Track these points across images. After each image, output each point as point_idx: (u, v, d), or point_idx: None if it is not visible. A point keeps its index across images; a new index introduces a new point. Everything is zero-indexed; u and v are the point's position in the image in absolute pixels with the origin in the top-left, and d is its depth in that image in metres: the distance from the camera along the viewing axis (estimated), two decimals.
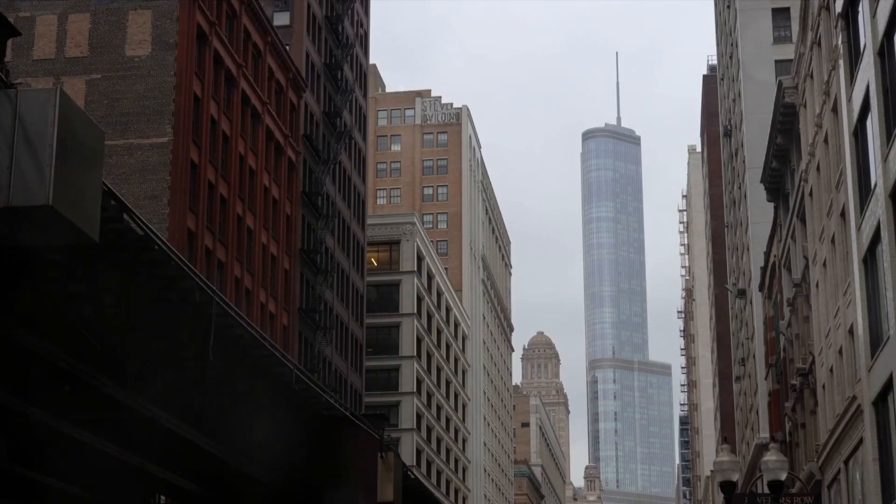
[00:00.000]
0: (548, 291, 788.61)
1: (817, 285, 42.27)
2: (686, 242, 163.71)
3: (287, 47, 69.29)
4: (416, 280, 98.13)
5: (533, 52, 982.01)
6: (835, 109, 37.23)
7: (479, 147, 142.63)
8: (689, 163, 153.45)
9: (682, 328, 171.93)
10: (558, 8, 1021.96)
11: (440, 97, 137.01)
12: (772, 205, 58.27)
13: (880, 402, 31.31)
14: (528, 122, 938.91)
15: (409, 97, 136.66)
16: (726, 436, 76.66)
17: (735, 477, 30.18)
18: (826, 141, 39.07)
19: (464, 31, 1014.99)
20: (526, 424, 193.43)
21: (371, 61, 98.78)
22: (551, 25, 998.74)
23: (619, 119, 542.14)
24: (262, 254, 63.12)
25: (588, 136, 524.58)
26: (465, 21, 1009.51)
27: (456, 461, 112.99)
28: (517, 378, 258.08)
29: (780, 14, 72.16)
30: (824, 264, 40.14)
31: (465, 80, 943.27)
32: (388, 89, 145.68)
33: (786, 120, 48.51)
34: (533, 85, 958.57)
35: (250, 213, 61.46)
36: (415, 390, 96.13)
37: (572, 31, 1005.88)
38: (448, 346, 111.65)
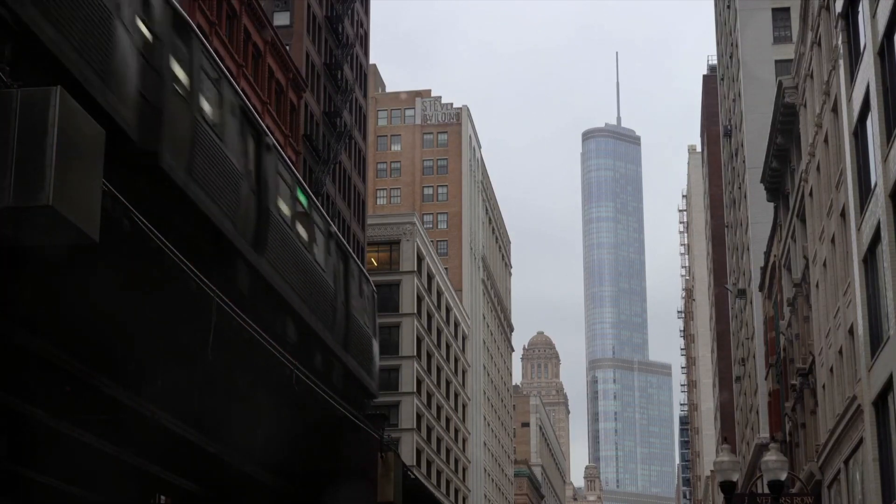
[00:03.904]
0: (548, 291, 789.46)
1: (817, 285, 42.28)
2: (686, 242, 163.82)
3: (287, 47, 69.30)
4: (416, 280, 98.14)
5: (536, 49, 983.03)
6: (835, 109, 37.24)
7: (479, 147, 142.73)
8: (689, 163, 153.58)
9: (682, 328, 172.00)
10: (561, 6, 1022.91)
11: (440, 97, 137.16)
12: (772, 205, 58.29)
13: (880, 402, 31.33)
14: (531, 118, 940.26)
15: (409, 97, 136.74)
16: (726, 436, 76.68)
17: (735, 477, 30.19)
18: (826, 141, 39.08)
19: (469, 27, 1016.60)
20: (526, 424, 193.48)
21: (372, 60, 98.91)
22: (554, 23, 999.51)
23: (619, 119, 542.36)
24: None
25: (588, 135, 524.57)
26: (471, 16, 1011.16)
27: (456, 461, 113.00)
28: (517, 378, 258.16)
29: (780, 14, 72.22)
30: (824, 264, 40.16)
31: (470, 76, 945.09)
32: (394, 83, 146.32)
33: (786, 120, 48.53)
34: (536, 82, 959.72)
35: None
36: (415, 390, 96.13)
37: (574, 29, 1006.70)
38: (448, 346, 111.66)
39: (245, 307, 20.21)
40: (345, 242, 28.19)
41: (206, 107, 19.07)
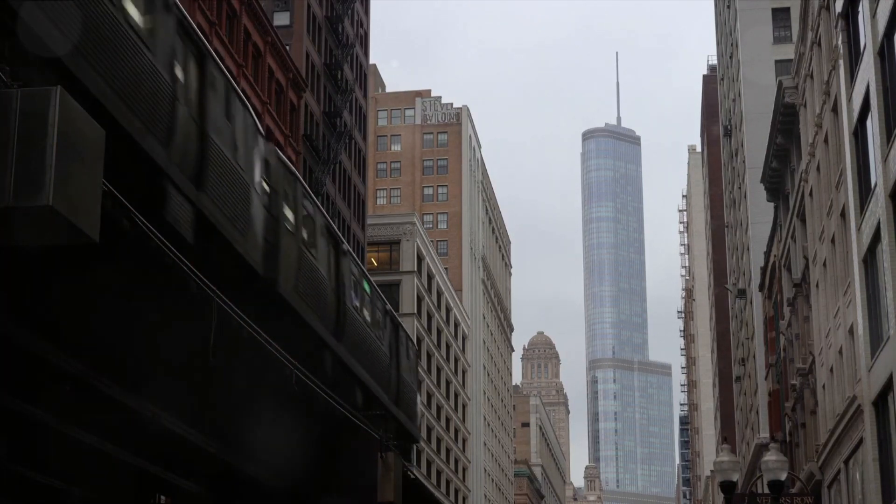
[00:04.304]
0: (548, 291, 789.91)
1: (817, 285, 42.27)
2: (686, 242, 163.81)
3: (287, 47, 69.27)
4: (416, 280, 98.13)
5: (536, 49, 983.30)
6: (835, 109, 37.24)
7: (479, 147, 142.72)
8: (689, 163, 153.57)
9: (682, 328, 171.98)
10: (561, 6, 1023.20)
11: (440, 97, 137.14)
12: (772, 205, 58.29)
13: (880, 402, 31.33)
14: (531, 117, 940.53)
15: (409, 97, 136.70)
16: (726, 436, 76.69)
17: (735, 477, 30.20)
18: (826, 141, 39.08)
19: (469, 26, 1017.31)
20: (526, 424, 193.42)
21: (373, 60, 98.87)
22: (554, 23, 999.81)
23: (619, 119, 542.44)
24: None
25: (588, 136, 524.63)
26: (471, 16, 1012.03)
27: (456, 461, 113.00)
28: (517, 378, 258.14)
29: (780, 14, 72.20)
30: (824, 264, 40.16)
31: (470, 75, 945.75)
32: (394, 83, 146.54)
33: (786, 120, 48.53)
34: (536, 81, 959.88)
35: None
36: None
37: (575, 29, 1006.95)
38: (448, 346, 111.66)
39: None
40: (396, 316, 34.55)
41: (306, 236, 24.76)
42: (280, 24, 71.15)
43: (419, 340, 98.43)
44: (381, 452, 28.98)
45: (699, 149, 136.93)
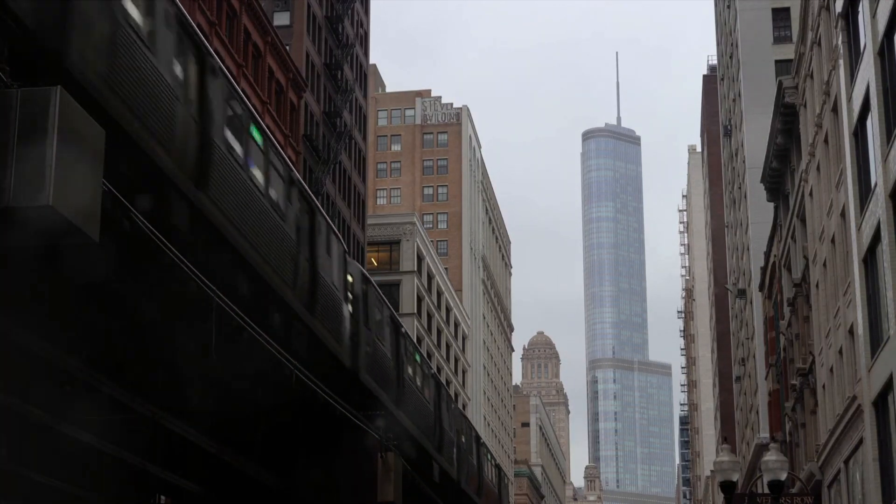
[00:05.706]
0: (548, 291, 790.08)
1: (817, 285, 42.27)
2: (686, 242, 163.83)
3: (287, 47, 69.26)
4: (416, 280, 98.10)
5: (537, 48, 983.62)
6: (835, 109, 37.24)
7: (479, 147, 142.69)
8: (689, 163, 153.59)
9: (682, 328, 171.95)
10: (561, 6, 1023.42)
11: (440, 97, 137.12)
12: (772, 205, 58.27)
13: (880, 402, 31.33)
14: (531, 117, 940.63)
15: (409, 97, 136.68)
16: (726, 436, 76.67)
17: (735, 477, 30.20)
18: (826, 141, 39.08)
19: (469, 25, 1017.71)
20: (526, 424, 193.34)
21: (374, 59, 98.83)
22: (554, 23, 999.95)
23: (619, 119, 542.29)
24: None
25: (588, 135, 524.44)
26: (472, 15, 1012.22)
27: None
28: (517, 378, 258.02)
29: (780, 14, 72.21)
30: (824, 264, 40.16)
31: (470, 75, 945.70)
32: (395, 82, 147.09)
33: (786, 120, 48.52)
34: (537, 81, 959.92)
35: None
36: None
37: (575, 29, 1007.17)
38: (448, 346, 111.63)
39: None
40: (488, 449, 45.84)
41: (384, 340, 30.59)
42: (280, 24, 71.15)
43: (419, 340, 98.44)
44: (381, 452, 28.96)
45: (699, 149, 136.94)
